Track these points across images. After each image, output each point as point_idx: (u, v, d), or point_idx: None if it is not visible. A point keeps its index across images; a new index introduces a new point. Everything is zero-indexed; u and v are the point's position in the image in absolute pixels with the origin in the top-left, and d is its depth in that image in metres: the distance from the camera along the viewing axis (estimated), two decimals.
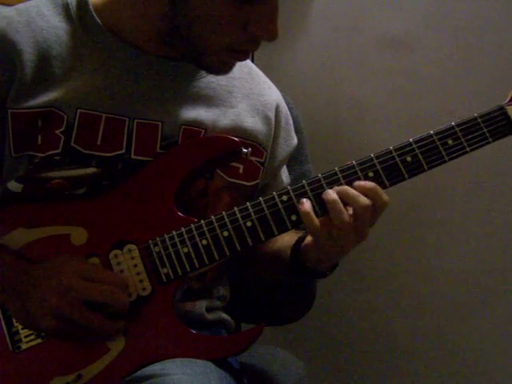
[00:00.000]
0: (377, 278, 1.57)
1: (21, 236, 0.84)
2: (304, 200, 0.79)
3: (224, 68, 0.88)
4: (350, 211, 0.78)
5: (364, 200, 0.77)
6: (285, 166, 1.05)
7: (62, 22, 0.87)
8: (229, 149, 0.88)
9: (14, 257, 0.83)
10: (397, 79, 1.48)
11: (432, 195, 1.47)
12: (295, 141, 1.05)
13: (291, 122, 1.05)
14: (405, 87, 1.46)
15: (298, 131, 1.21)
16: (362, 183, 0.79)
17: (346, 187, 0.78)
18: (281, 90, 1.23)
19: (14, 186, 0.85)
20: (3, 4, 1.48)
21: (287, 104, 1.09)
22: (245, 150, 0.90)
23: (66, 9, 0.88)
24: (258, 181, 0.95)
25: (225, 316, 0.99)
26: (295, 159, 1.14)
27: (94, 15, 0.88)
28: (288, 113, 1.04)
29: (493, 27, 1.35)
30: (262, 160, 0.96)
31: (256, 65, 1.07)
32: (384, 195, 0.79)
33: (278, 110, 1.00)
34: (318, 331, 1.64)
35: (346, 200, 0.78)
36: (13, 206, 0.86)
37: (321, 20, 1.59)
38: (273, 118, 0.98)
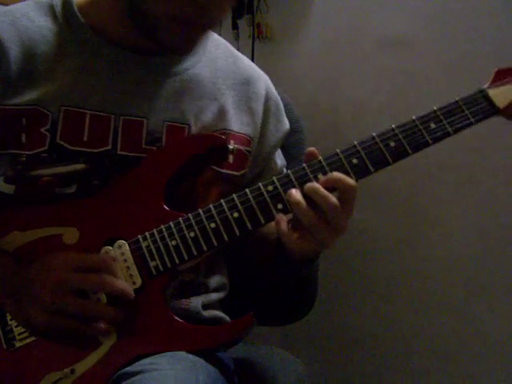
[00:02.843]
0: (376, 278, 1.57)
1: (15, 239, 0.85)
2: (293, 190, 0.79)
3: (182, 44, 0.87)
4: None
5: (333, 200, 0.77)
6: (279, 150, 1.06)
7: (46, 21, 0.89)
8: (215, 146, 0.89)
9: (10, 258, 0.84)
10: (397, 79, 1.48)
11: (429, 195, 1.48)
12: (287, 126, 1.05)
13: (282, 107, 1.05)
14: (405, 87, 1.46)
15: (298, 131, 1.21)
16: (327, 176, 0.79)
17: (315, 186, 0.78)
18: (281, 90, 1.23)
19: (5, 187, 0.86)
20: (4, 4, 1.48)
21: (287, 104, 1.09)
22: (231, 147, 0.91)
23: (51, 9, 0.91)
24: (246, 169, 0.97)
25: (221, 314, 0.99)
26: (295, 159, 1.14)
27: (78, 14, 0.90)
28: (278, 98, 1.05)
29: (492, 27, 1.35)
30: (250, 149, 0.97)
31: (256, 65, 1.07)
32: (348, 179, 0.78)
33: (266, 97, 1.01)
34: (318, 331, 1.64)
35: (314, 200, 0.78)
36: (7, 210, 0.87)
37: (321, 20, 1.60)
38: (260, 107, 0.99)
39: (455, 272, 1.46)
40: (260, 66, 1.07)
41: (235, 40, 1.71)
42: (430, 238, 1.49)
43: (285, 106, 1.21)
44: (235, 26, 1.72)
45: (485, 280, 1.42)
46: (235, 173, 0.95)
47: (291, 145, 1.19)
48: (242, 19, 1.71)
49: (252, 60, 1.66)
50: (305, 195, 0.79)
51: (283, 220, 0.80)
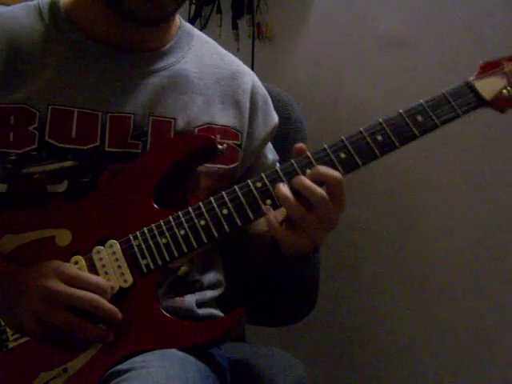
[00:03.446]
0: (376, 277, 1.57)
1: (9, 242, 0.86)
2: (281, 185, 0.80)
3: (143, 6, 0.86)
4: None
5: (320, 192, 0.77)
6: (270, 144, 1.07)
7: (33, 22, 0.92)
8: (205, 146, 0.91)
9: (3, 260, 0.85)
10: (397, 79, 1.48)
11: (429, 194, 1.47)
12: (275, 120, 1.06)
13: (270, 101, 1.06)
14: (405, 87, 1.46)
15: (299, 131, 1.22)
16: (312, 170, 0.79)
17: (302, 179, 0.78)
18: (281, 90, 1.23)
19: None
20: (2, 4, 1.49)
21: (290, 105, 1.10)
22: (220, 147, 0.92)
23: (38, 11, 0.93)
24: (237, 163, 0.98)
25: (217, 312, 1.00)
26: None
27: (63, 14, 0.92)
28: (265, 93, 1.06)
29: (492, 27, 1.35)
30: (239, 142, 0.98)
31: (256, 65, 1.08)
32: (334, 172, 0.78)
33: (253, 91, 1.02)
34: (318, 332, 1.64)
35: (302, 193, 0.78)
36: (0, 208, 0.88)
37: (321, 20, 1.59)
38: (247, 101, 1.01)
39: (455, 270, 1.46)
40: (260, 66, 1.08)
41: (235, 40, 1.71)
42: (430, 237, 1.49)
43: (287, 105, 1.22)
44: (235, 26, 1.72)
45: (484, 277, 1.42)
46: (224, 166, 0.96)
47: (293, 144, 1.19)
48: (242, 19, 1.71)
49: (252, 60, 1.67)
50: (294, 190, 0.79)
51: (272, 214, 0.80)
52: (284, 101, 1.22)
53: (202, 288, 0.98)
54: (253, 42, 1.67)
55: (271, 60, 1.67)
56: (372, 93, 1.52)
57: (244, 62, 1.09)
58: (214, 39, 1.07)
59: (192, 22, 1.73)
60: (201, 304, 0.97)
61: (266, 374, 1.04)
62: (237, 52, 1.65)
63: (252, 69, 1.09)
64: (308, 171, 0.80)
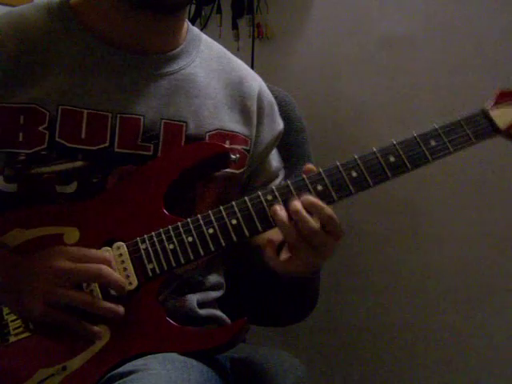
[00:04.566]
0: (376, 278, 1.57)
1: (17, 236, 0.86)
2: (277, 207, 0.80)
3: None
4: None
5: (311, 224, 0.78)
6: (275, 151, 1.08)
7: (43, 22, 0.92)
8: (218, 155, 0.91)
9: (9, 251, 0.85)
10: (397, 79, 1.48)
11: (429, 196, 1.47)
12: (281, 126, 1.07)
13: (276, 107, 1.07)
14: (405, 87, 1.46)
15: (300, 131, 1.22)
16: (303, 199, 0.79)
17: (297, 208, 0.79)
18: (281, 90, 1.23)
19: (6, 186, 0.87)
20: (5, 4, 1.49)
21: (290, 104, 1.09)
22: (233, 156, 0.93)
23: (47, 11, 0.93)
24: (244, 168, 0.99)
25: (218, 313, 1.00)
26: (298, 158, 1.15)
27: (73, 15, 0.92)
28: (272, 99, 1.07)
29: (493, 28, 1.35)
30: (248, 148, 0.99)
31: (256, 65, 1.08)
32: (326, 208, 0.79)
33: (260, 97, 1.03)
34: (318, 332, 1.64)
35: (295, 220, 0.79)
36: (10, 208, 0.88)
37: (321, 20, 1.59)
38: (254, 106, 1.01)
39: (457, 271, 1.46)
40: (260, 66, 1.08)
41: (235, 40, 1.71)
42: (432, 238, 1.49)
43: (288, 105, 1.22)
44: (235, 26, 1.72)
45: (486, 279, 1.42)
46: (235, 171, 0.96)
47: (295, 145, 1.20)
48: (241, 19, 1.71)
49: (252, 60, 1.67)
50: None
51: (271, 244, 0.82)
52: (284, 101, 1.22)
53: (203, 288, 0.99)
54: (253, 42, 1.67)
55: (271, 60, 1.67)
56: (372, 93, 1.52)
57: (244, 62, 1.09)
58: (214, 39, 1.07)
59: (192, 22, 1.73)
60: (203, 304, 0.97)
61: (266, 375, 1.04)
62: (237, 52, 1.65)
63: (252, 69, 1.09)
64: (319, 187, 0.81)
